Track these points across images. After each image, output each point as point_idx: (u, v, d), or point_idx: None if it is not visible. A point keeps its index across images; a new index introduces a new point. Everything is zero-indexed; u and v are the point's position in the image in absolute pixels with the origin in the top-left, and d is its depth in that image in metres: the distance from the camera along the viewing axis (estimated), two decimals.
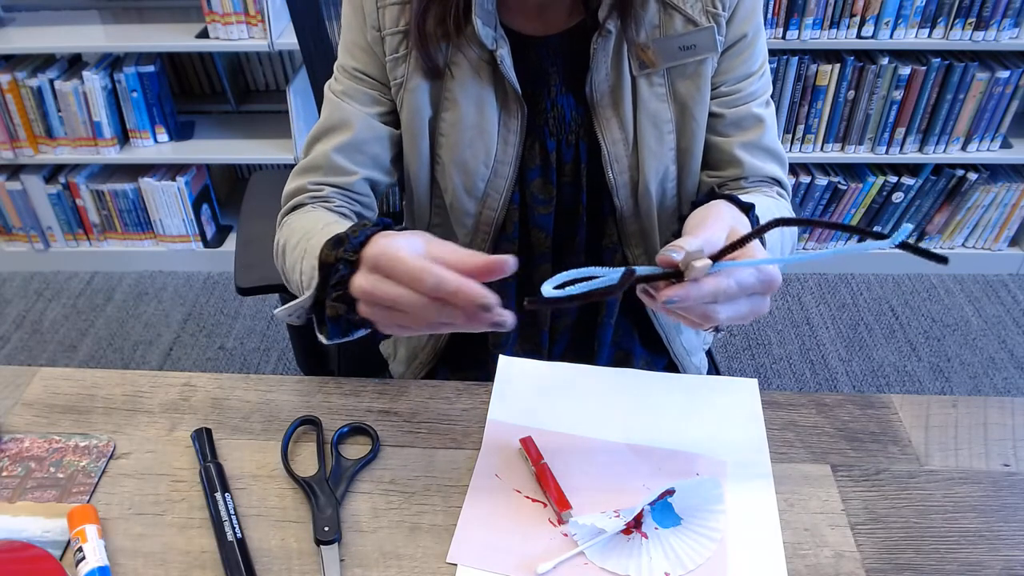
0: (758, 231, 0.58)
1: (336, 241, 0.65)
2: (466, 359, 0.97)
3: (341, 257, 0.64)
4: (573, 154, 0.83)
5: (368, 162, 0.84)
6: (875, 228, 0.55)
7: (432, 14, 0.76)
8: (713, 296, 0.58)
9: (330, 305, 0.65)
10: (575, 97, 0.81)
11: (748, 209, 0.69)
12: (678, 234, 0.66)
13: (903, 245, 0.54)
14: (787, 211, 0.81)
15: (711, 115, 0.82)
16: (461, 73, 0.79)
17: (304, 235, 0.75)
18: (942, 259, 0.54)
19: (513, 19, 0.79)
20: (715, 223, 0.62)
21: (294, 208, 0.83)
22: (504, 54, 0.76)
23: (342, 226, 0.69)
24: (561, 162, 0.83)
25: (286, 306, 0.69)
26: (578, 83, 0.80)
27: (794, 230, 0.83)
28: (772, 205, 0.79)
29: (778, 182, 0.86)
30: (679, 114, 0.81)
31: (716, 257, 0.58)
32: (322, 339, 0.68)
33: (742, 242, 0.58)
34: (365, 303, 0.61)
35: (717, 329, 0.64)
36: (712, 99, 0.82)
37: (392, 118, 0.84)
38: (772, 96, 0.86)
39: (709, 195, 0.71)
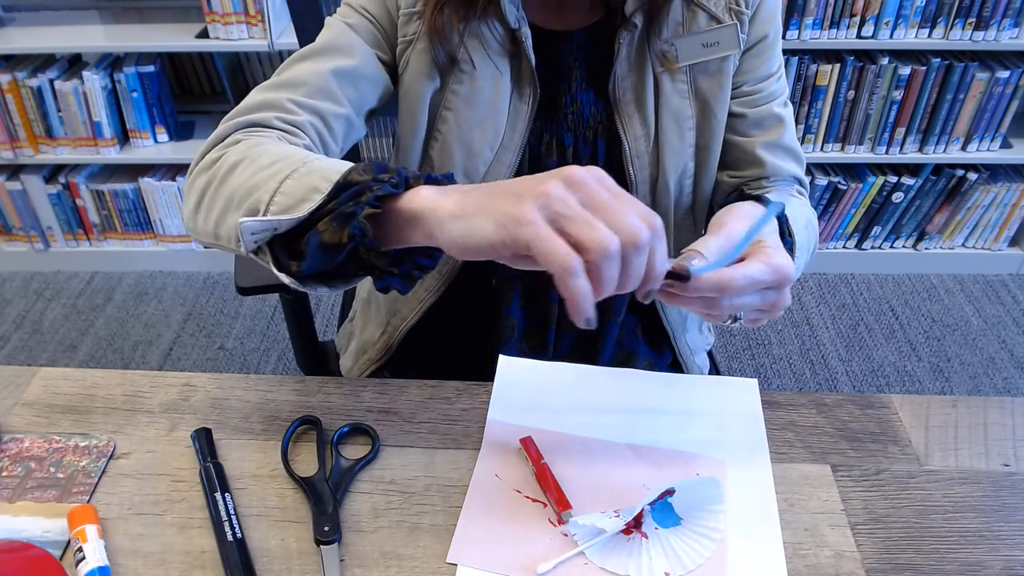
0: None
1: (378, 166, 0.57)
2: (456, 357, 0.95)
3: (379, 179, 0.55)
4: (591, 151, 0.83)
5: (356, 101, 0.76)
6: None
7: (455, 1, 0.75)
8: (715, 290, 0.59)
9: (343, 225, 0.54)
10: (595, 93, 0.81)
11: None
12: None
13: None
14: (808, 210, 0.82)
15: (733, 115, 0.83)
16: (480, 49, 0.77)
17: (288, 156, 0.62)
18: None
19: (534, 13, 0.79)
20: (736, 221, 0.64)
21: (254, 125, 0.70)
22: (527, 32, 0.76)
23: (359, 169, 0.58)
24: (578, 158, 0.83)
25: (258, 218, 0.57)
26: (599, 79, 0.80)
27: (816, 229, 0.84)
28: (797, 206, 0.80)
29: (798, 181, 0.87)
30: (700, 111, 0.81)
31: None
32: (283, 278, 0.58)
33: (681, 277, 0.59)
34: (571, 192, 0.51)
35: (735, 319, 0.65)
36: (733, 99, 0.82)
37: (391, 72, 0.81)
38: None
39: (739, 196, 0.72)
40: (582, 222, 0.50)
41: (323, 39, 0.77)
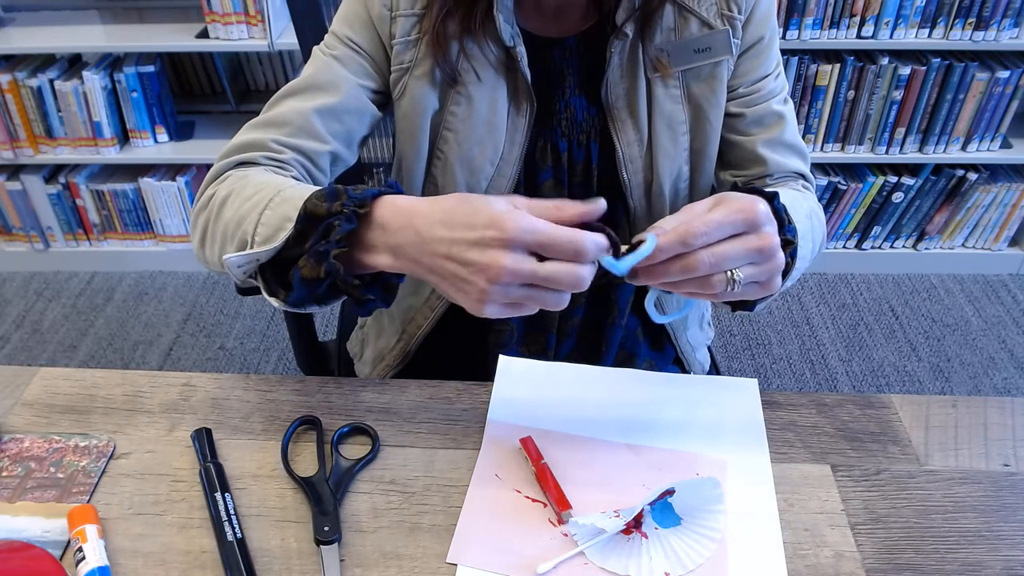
0: None
1: (330, 193, 0.61)
2: (465, 360, 0.96)
3: (338, 211, 0.60)
4: (584, 155, 0.83)
5: (343, 134, 0.80)
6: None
7: (456, 16, 0.76)
8: (679, 242, 0.58)
9: (319, 262, 0.60)
10: (588, 98, 0.81)
11: (771, 198, 0.67)
12: None
13: None
14: (813, 203, 0.81)
15: (732, 115, 0.83)
16: (477, 69, 0.78)
17: (266, 186, 0.67)
18: None
19: (529, 20, 0.79)
20: (703, 203, 0.62)
21: (244, 164, 0.75)
22: (523, 51, 0.77)
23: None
24: (572, 163, 0.83)
25: (241, 253, 0.64)
26: (592, 85, 0.80)
27: (822, 221, 0.82)
28: (798, 197, 0.78)
29: (802, 176, 0.86)
30: (693, 116, 0.81)
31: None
32: (274, 302, 0.65)
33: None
34: (506, 286, 0.56)
35: (733, 284, 0.61)
36: (731, 100, 0.82)
37: (380, 99, 0.82)
38: None
39: (734, 188, 0.72)
40: (528, 300, 0.58)
41: (307, 75, 0.80)
